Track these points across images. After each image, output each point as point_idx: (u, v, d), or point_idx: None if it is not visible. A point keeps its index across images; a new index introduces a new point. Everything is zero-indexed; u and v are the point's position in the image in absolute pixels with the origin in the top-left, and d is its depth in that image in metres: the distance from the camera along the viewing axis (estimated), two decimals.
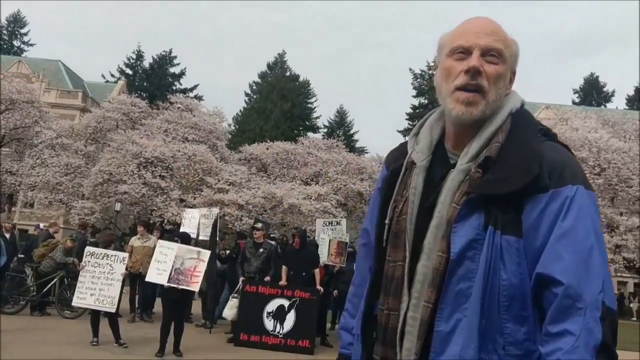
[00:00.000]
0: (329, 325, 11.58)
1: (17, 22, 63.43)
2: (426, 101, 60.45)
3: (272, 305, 9.23)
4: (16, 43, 63.05)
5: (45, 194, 24.09)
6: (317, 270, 9.72)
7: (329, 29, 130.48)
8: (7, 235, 11.74)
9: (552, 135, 1.32)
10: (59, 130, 25.67)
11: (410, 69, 60.87)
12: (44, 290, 10.75)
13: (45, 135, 24.90)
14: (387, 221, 1.38)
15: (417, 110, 60.63)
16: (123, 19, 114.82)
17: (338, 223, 12.53)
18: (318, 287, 9.53)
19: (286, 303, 9.24)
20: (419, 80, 60.59)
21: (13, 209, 32.85)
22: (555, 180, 1.20)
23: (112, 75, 58.21)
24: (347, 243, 11.12)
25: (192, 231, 10.77)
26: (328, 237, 10.94)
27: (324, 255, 10.69)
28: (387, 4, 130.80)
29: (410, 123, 60.86)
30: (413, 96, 61.00)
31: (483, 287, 1.18)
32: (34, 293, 10.82)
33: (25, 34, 64.03)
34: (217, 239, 11.88)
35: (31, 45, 63.88)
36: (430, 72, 59.99)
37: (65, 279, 10.75)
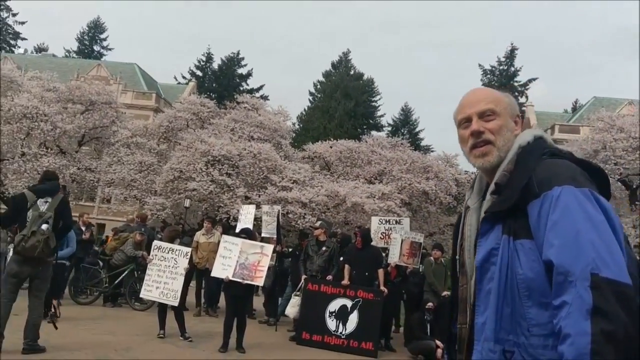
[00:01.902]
0: (393, 327, 11.40)
1: (97, 27, 66.71)
2: None
3: (334, 305, 9.16)
4: (96, 48, 66.33)
5: (121, 190, 25.12)
6: (381, 271, 9.58)
7: (395, 26, 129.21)
8: (83, 229, 12.30)
9: (561, 154, 1.56)
10: (134, 130, 26.70)
11: (479, 65, 59.11)
12: (116, 282, 11.21)
13: (122, 134, 25.97)
14: (457, 257, 1.76)
15: None
16: (194, 23, 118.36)
17: (398, 222, 12.20)
18: (382, 288, 9.38)
19: (349, 303, 9.14)
20: (488, 76, 58.75)
21: (91, 204, 34.54)
22: (545, 186, 1.44)
23: (184, 77, 60.15)
24: (420, 244, 10.87)
25: (247, 227, 10.91)
26: (400, 237, 10.72)
27: (395, 256, 10.53)
28: None
29: None
30: None
31: (499, 283, 1.47)
32: (107, 285, 11.30)
33: (105, 39, 67.26)
34: (281, 236, 11.97)
35: (110, 49, 67.08)
36: (501, 67, 58.13)
37: (135, 272, 11.17)
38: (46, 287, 6.48)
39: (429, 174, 24.65)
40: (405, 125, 61.52)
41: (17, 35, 66.20)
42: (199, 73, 60.41)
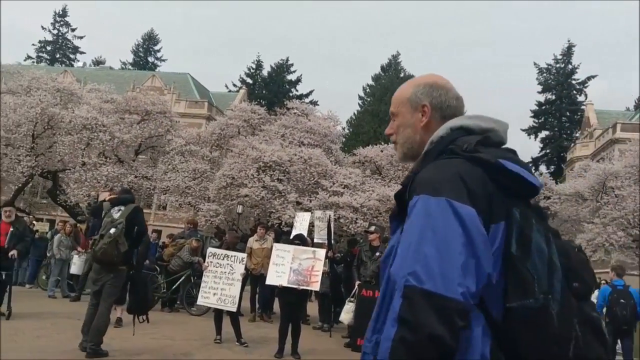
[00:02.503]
0: None
1: (151, 39, 68.91)
2: (553, 97, 56.89)
3: None
4: (150, 59, 68.50)
5: (176, 197, 25.72)
6: None
7: (443, 24, 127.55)
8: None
9: (461, 152, 1.42)
10: (188, 138, 27.32)
11: (534, 63, 57.55)
12: (173, 287, 11.47)
13: (176, 142, 26.61)
14: None
15: (544, 107, 57.21)
16: (244, 31, 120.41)
17: None
18: None
19: None
20: (544, 74, 57.13)
21: (148, 211, 35.56)
22: (412, 193, 1.39)
23: (234, 85, 61.29)
24: None
25: (301, 233, 10.92)
26: None
27: None
28: None
29: (536, 121, 57.59)
30: (538, 92, 57.63)
31: (385, 279, 1.43)
32: (164, 290, 11.58)
33: (158, 51, 69.44)
34: (332, 241, 11.95)
35: (163, 60, 69.23)
36: (558, 65, 56.39)
37: (192, 277, 11.39)
38: (116, 293, 6.72)
39: None
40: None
41: (76, 50, 69.23)
42: (249, 80, 61.41)
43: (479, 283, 1.26)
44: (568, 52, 55.97)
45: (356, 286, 9.39)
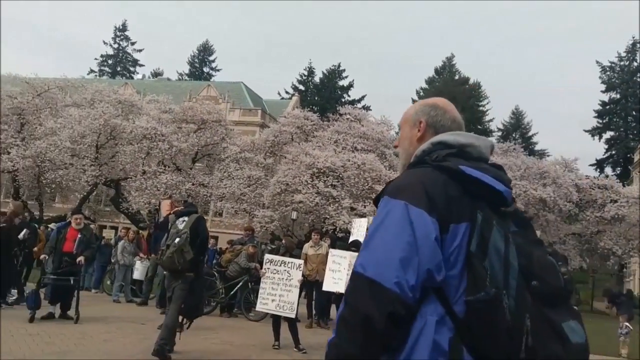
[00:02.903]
0: None
1: (205, 50, 70.72)
2: (618, 95, 54.54)
3: None
4: (205, 69, 70.28)
5: (232, 203, 26.19)
6: None
7: (500, 24, 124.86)
8: None
9: (430, 162, 1.59)
10: (242, 146, 27.82)
11: (597, 62, 55.41)
12: (231, 293, 11.65)
13: (231, 150, 27.14)
14: None
15: (608, 107, 54.89)
16: (296, 37, 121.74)
17: None
18: None
19: None
20: (608, 73, 54.86)
21: (206, 217, 36.35)
22: (382, 195, 1.58)
23: (287, 92, 62.00)
24: None
25: (357, 239, 10.89)
26: None
27: None
28: None
29: (600, 121, 55.33)
30: (602, 91, 55.32)
31: None
32: (223, 295, 11.78)
33: (213, 61, 71.13)
34: None
35: (218, 70, 70.86)
36: (622, 63, 54.10)
37: (249, 283, 11.54)
38: (183, 296, 7.07)
39: (546, 180, 23.44)
40: (516, 130, 59.06)
41: (135, 62, 71.79)
42: (301, 87, 61.97)
43: (419, 278, 1.41)
44: (632, 49, 53.59)
45: None
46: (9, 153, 24.05)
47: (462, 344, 1.41)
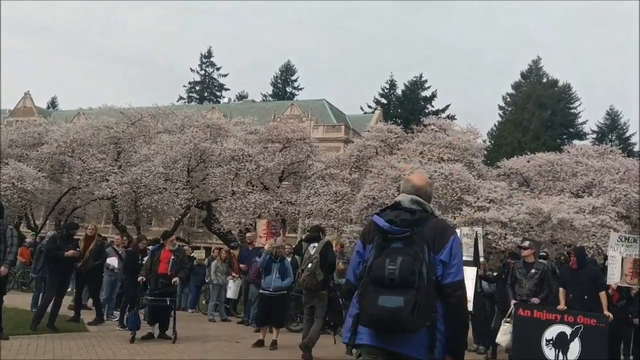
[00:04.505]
0: (622, 357, 10.06)
1: (288, 71, 72.32)
2: None
3: (551, 332, 8.32)
4: (288, 89, 71.80)
5: (320, 220, 26.19)
6: (603, 294, 8.55)
7: (588, 26, 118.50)
8: (289, 259, 12.97)
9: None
10: (327, 162, 27.89)
11: None
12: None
13: (316, 167, 27.26)
14: None
15: None
16: (375, 54, 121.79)
17: (635, 240, 10.95)
18: (606, 312, 8.34)
19: (568, 330, 8.24)
20: None
21: (293, 235, 36.76)
22: None
23: (369, 107, 61.92)
24: None
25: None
26: (620, 255, 9.54)
27: (615, 276, 9.40)
28: None
29: None
30: None
31: None
32: None
33: (295, 80, 72.57)
34: (482, 259, 11.38)
35: (300, 89, 72.15)
36: None
37: (340, 299, 11.39)
38: (323, 312, 8.55)
39: None
40: (612, 131, 55.54)
41: (221, 87, 74.62)
42: (383, 101, 61.70)
43: (354, 271, 3.27)
44: None
45: (512, 305, 8.81)
46: (107, 180, 25.51)
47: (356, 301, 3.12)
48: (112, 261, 11.69)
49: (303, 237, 9.34)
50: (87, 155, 26.96)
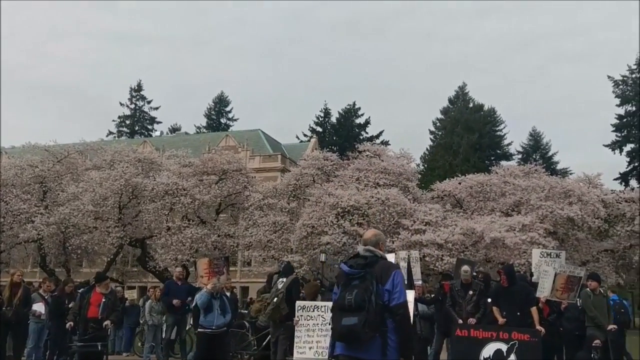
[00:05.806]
0: None
1: (221, 102, 71.95)
2: (633, 108, 53.76)
3: (488, 350, 8.47)
4: (223, 120, 71.33)
5: (259, 251, 25.85)
6: (534, 309, 8.84)
7: (507, 50, 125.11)
8: (228, 294, 12.70)
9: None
10: (265, 192, 27.64)
11: (608, 77, 54.84)
12: (263, 343, 11.32)
13: (254, 198, 26.94)
14: None
15: (625, 120, 54.07)
16: (308, 81, 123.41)
17: (557, 256, 11.51)
18: (538, 327, 8.62)
19: (504, 347, 8.41)
20: (621, 87, 54.23)
21: (234, 268, 36.11)
22: None
23: (305, 135, 62.45)
24: (580, 278, 9.99)
25: None
26: (553, 270, 9.94)
27: (546, 290, 9.78)
28: (566, 6, 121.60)
29: (618, 135, 54.44)
30: (617, 105, 54.59)
31: None
32: (255, 347, 11.46)
33: (229, 111, 72.28)
34: (420, 281, 11.56)
35: (235, 120, 71.87)
36: (634, 76, 53.53)
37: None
38: (285, 343, 9.05)
39: (572, 199, 22.83)
40: (536, 151, 58.47)
41: (153, 120, 73.18)
42: (318, 129, 62.42)
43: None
44: None
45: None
46: (33, 222, 24.27)
47: None
48: (39, 307, 11.03)
49: (275, 271, 10.87)
50: (10, 197, 25.56)
